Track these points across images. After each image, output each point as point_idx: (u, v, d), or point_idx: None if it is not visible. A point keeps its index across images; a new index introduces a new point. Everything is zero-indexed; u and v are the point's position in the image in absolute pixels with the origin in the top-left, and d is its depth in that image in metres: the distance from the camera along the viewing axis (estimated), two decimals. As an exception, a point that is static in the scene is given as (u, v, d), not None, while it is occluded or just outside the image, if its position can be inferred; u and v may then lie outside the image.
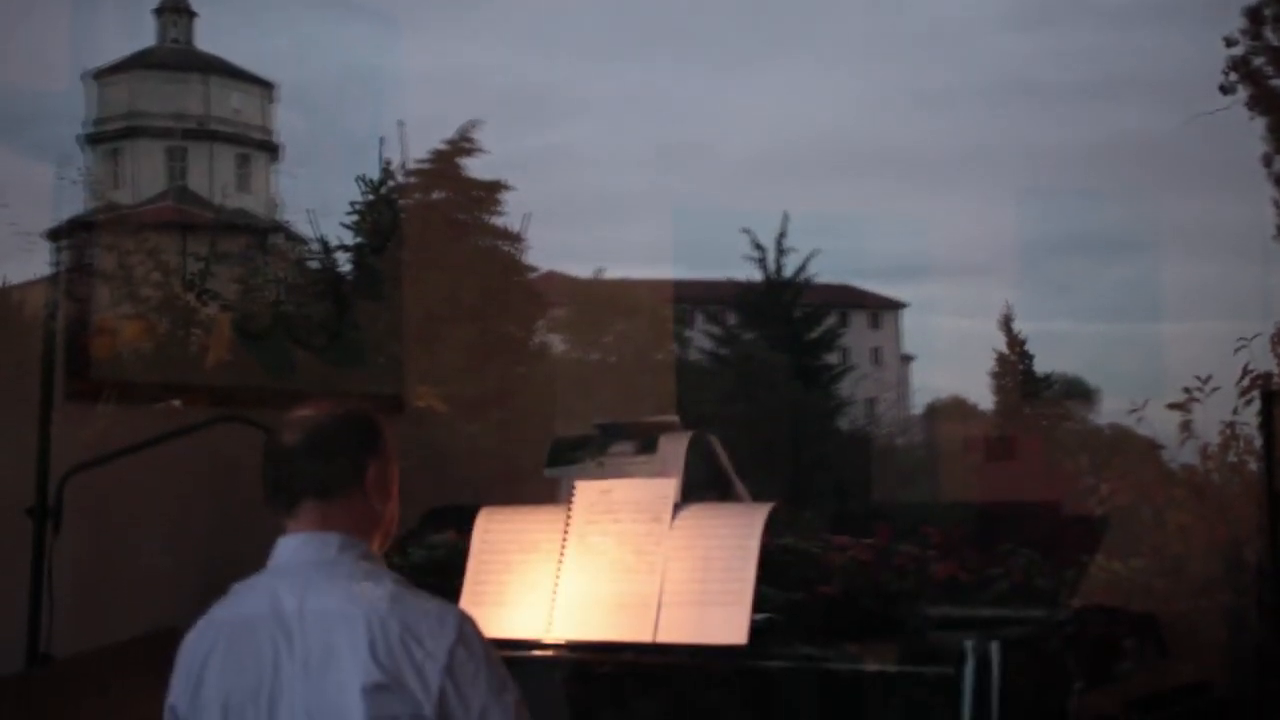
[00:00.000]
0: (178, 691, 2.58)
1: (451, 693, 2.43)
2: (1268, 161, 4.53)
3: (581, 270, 5.20)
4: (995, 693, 2.78)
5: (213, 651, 2.54)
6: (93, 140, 4.10)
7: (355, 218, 4.54)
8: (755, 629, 3.02)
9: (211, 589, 3.60)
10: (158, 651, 3.27)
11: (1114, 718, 3.63)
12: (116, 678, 3.18)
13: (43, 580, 3.29)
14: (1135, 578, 4.43)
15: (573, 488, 3.32)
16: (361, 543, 2.55)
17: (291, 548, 2.54)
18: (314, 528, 2.54)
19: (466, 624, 2.49)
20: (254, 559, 2.70)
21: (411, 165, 4.73)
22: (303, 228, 4.41)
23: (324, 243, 4.39)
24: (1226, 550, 4.38)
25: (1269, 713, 4.00)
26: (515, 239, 4.98)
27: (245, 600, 2.56)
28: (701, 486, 3.38)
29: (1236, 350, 4.36)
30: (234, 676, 2.50)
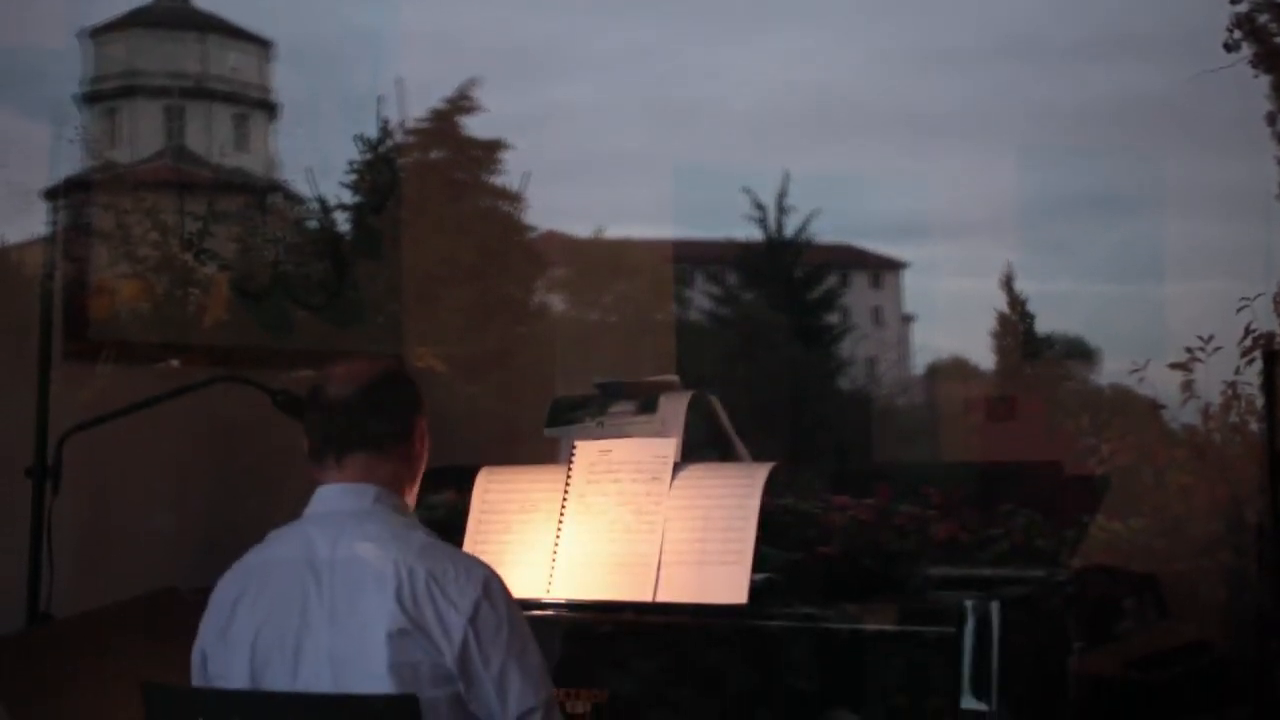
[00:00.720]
0: (207, 634, 2.63)
1: (473, 645, 2.47)
2: (1271, 120, 4.50)
3: (581, 230, 5.19)
4: (995, 652, 2.78)
5: (243, 594, 2.59)
6: (89, 99, 4.08)
7: (354, 177, 4.52)
8: (755, 588, 3.02)
9: (211, 548, 3.61)
10: (157, 611, 3.29)
11: (1114, 677, 3.64)
12: (116, 637, 3.18)
13: (42, 540, 3.29)
14: (1136, 538, 4.43)
15: (573, 447, 3.32)
16: (396, 495, 2.61)
17: (329, 497, 2.60)
18: (359, 477, 2.59)
19: (493, 580, 2.53)
20: (253, 517, 2.71)
21: (410, 124, 4.70)
22: (301, 187, 4.38)
23: (322, 202, 4.37)
24: (1227, 510, 4.38)
25: (1269, 672, 4.01)
26: (515, 199, 4.96)
27: (279, 545, 2.62)
28: (701, 446, 3.37)
29: (1239, 310, 4.34)
30: (263, 618, 2.55)
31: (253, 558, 2.67)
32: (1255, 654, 4.07)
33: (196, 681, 2.67)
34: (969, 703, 2.78)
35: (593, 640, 3.12)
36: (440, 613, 2.48)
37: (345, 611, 2.51)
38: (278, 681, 2.53)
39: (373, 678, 2.46)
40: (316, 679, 2.51)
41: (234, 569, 2.67)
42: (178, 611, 3.33)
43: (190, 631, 3.21)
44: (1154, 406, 4.65)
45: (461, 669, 2.49)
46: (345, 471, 2.62)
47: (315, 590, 2.54)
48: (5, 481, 3.44)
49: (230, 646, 2.59)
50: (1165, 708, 3.86)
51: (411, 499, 2.71)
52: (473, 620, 2.49)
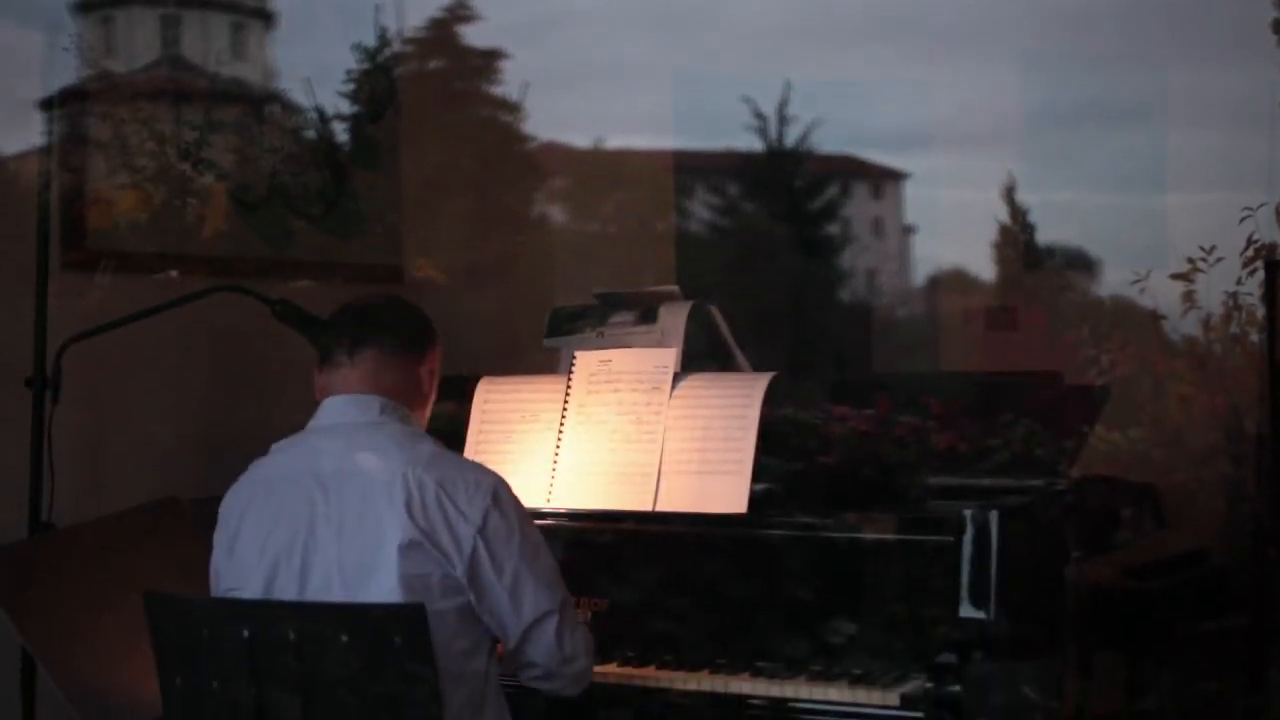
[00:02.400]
0: (218, 549, 2.64)
1: (484, 555, 2.48)
2: (1276, 28, 4.46)
3: (581, 140, 5.14)
4: (994, 561, 2.80)
5: (249, 508, 2.60)
6: (84, 8, 4.04)
7: (351, 87, 4.48)
8: (755, 498, 3.03)
9: (211, 458, 3.63)
10: (158, 520, 3.30)
11: (1112, 586, 3.65)
12: (118, 546, 3.19)
13: (43, 450, 3.30)
14: (1135, 448, 4.44)
15: (573, 357, 3.32)
16: (403, 408, 2.61)
17: (335, 408, 2.61)
18: (366, 380, 2.61)
19: (502, 488, 2.54)
20: (252, 427, 2.71)
21: (408, 33, 4.66)
22: (298, 97, 4.35)
23: (320, 112, 4.34)
24: (1226, 421, 4.39)
25: (1266, 581, 4.03)
26: (514, 109, 4.92)
27: (284, 458, 2.62)
28: (702, 356, 3.37)
29: (1241, 220, 4.33)
30: (269, 532, 2.55)
31: (257, 470, 2.68)
32: (1252, 563, 4.10)
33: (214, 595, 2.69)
34: (967, 611, 2.80)
35: (593, 549, 3.14)
36: (451, 524, 2.49)
37: (354, 524, 2.51)
38: (286, 594, 2.54)
39: (382, 590, 2.48)
40: (325, 591, 2.52)
41: (239, 482, 2.68)
42: (178, 521, 3.35)
43: (191, 541, 3.24)
44: (1154, 317, 4.64)
45: (472, 579, 2.50)
46: (355, 370, 2.63)
47: (323, 502, 2.54)
48: (5, 392, 3.45)
49: (239, 560, 2.61)
50: (1163, 616, 3.88)
51: (421, 421, 2.71)
52: (482, 530, 2.50)
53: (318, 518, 2.54)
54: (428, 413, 2.76)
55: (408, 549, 2.48)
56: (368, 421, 2.60)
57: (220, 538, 2.67)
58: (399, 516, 2.48)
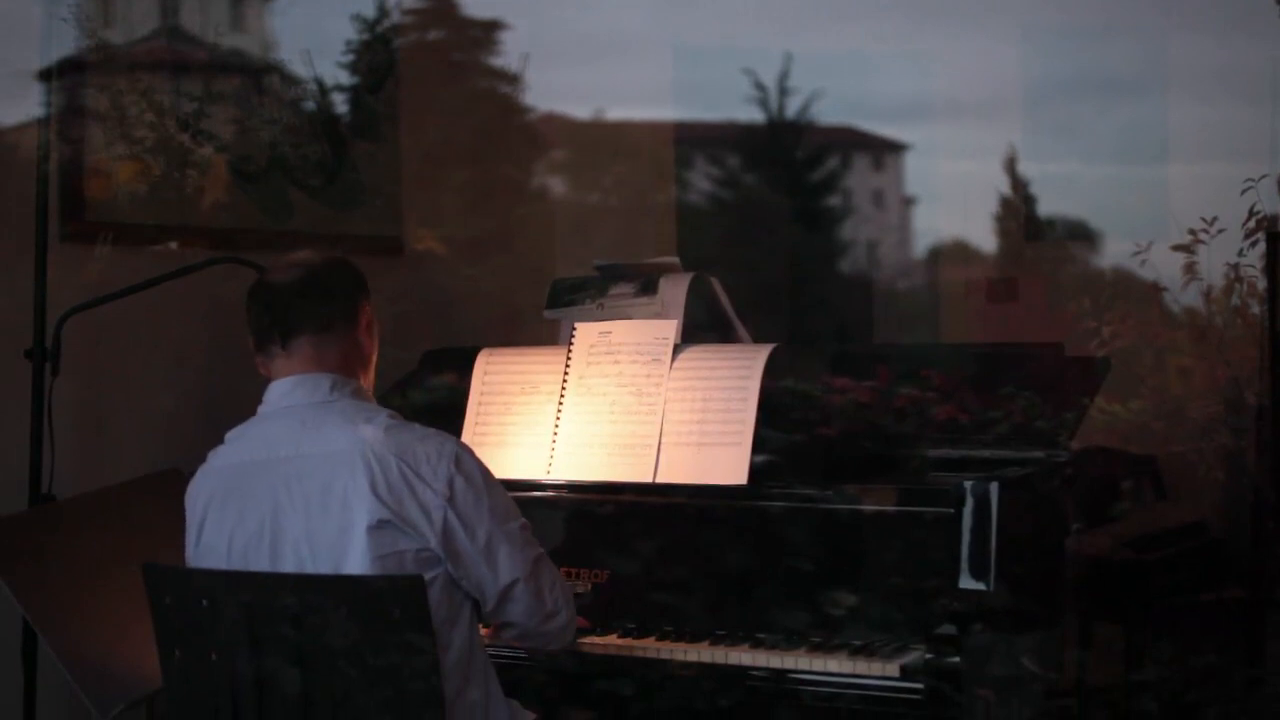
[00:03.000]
0: (188, 541, 2.61)
1: (455, 523, 2.46)
2: (1279, -1, 4.45)
3: (581, 112, 5.12)
4: (993, 533, 2.80)
5: (212, 501, 2.57)
6: (83, -23, 4.02)
7: (351, 58, 4.47)
8: (755, 469, 3.03)
9: (212, 429, 3.62)
10: (159, 492, 3.30)
11: (1111, 557, 3.66)
12: (119, 517, 3.20)
13: (43, 421, 3.30)
14: (1135, 419, 4.44)
15: (573, 329, 3.31)
16: (353, 380, 2.56)
17: (283, 391, 2.56)
18: (308, 365, 2.55)
19: (464, 452, 2.52)
20: (252, 399, 2.70)
21: (407, 4, 4.64)
22: (297, 68, 4.33)
23: (320, 83, 4.32)
24: (1226, 392, 4.38)
25: (1265, 553, 4.04)
26: (513, 80, 4.91)
27: (240, 447, 2.58)
28: (702, 328, 3.37)
29: (1242, 192, 4.32)
30: (235, 524, 2.52)
31: (215, 460, 2.64)
32: (1251, 535, 4.10)
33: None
34: (967, 583, 2.80)
35: (593, 521, 3.14)
36: (418, 496, 2.47)
37: (319, 509, 2.49)
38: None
39: (355, 571, 2.47)
40: (318, 532, 2.51)
41: (199, 474, 2.65)
42: (179, 492, 3.35)
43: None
44: (1155, 289, 4.63)
45: (446, 549, 2.49)
46: (293, 359, 2.58)
47: (284, 490, 2.52)
48: (4, 364, 3.45)
49: (206, 551, 2.59)
50: (1162, 587, 3.89)
51: (368, 384, 2.67)
52: (450, 499, 2.49)
53: (281, 506, 2.52)
54: (374, 362, 2.69)
55: (377, 529, 2.46)
56: (318, 401, 2.56)
57: (188, 529, 2.65)
58: (364, 497, 2.46)
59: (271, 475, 2.54)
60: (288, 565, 2.52)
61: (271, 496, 2.54)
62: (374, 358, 2.70)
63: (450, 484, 2.51)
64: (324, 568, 2.50)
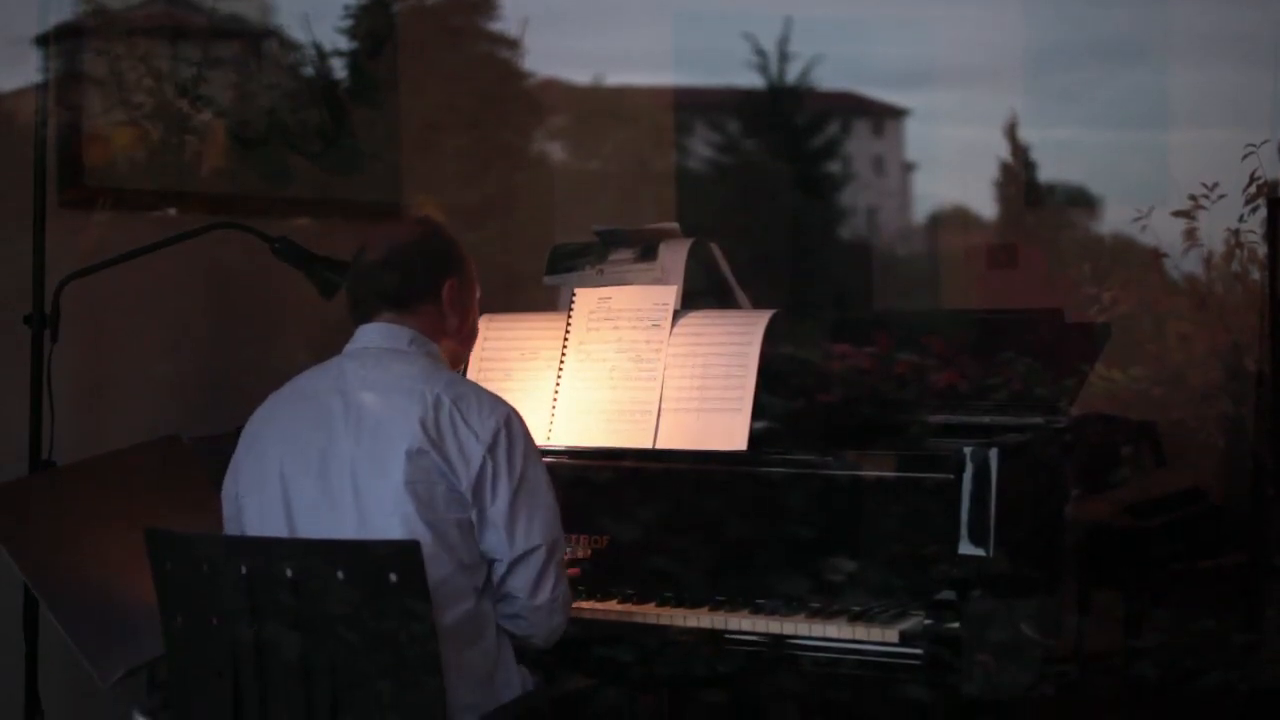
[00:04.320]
0: (239, 455, 2.73)
1: (489, 474, 2.55)
2: (1280, -36, 4.43)
3: (580, 77, 5.10)
4: (993, 499, 2.80)
5: (274, 416, 2.71)
6: (80, -58, 4.00)
7: (350, 22, 4.45)
8: (755, 436, 3.03)
9: (211, 395, 3.62)
10: (160, 458, 3.30)
11: (1111, 523, 3.66)
12: (119, 484, 3.20)
13: (43, 388, 3.30)
14: (1135, 386, 4.44)
15: (572, 295, 3.31)
16: (432, 344, 2.70)
17: (368, 332, 2.71)
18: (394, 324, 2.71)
19: (515, 418, 2.66)
20: (252, 365, 2.72)
21: (407, -32, 4.62)
22: (296, 33, 4.31)
23: (318, 48, 4.31)
24: (1226, 359, 4.39)
25: (1264, 519, 4.04)
26: (513, 45, 4.89)
27: (313, 376, 2.72)
28: (702, 294, 3.36)
29: (1244, 157, 4.31)
30: (292, 439, 2.65)
31: (286, 388, 2.77)
32: (1251, 501, 4.10)
33: (228, 509, 2.75)
34: (967, 549, 2.81)
35: (592, 487, 3.14)
36: (460, 439, 2.56)
37: (371, 431, 2.60)
38: (305, 493, 2.61)
39: (391, 487, 2.55)
40: (341, 491, 2.59)
41: (267, 400, 2.78)
42: (180, 459, 3.35)
43: (191, 478, 3.24)
44: (1156, 255, 4.63)
45: (475, 497, 2.57)
46: (376, 327, 2.74)
47: (343, 412, 2.63)
48: (3, 330, 3.44)
49: (258, 457, 2.69)
50: (1161, 554, 3.90)
51: (455, 358, 2.81)
52: (491, 450, 2.57)
53: (337, 424, 2.63)
54: (465, 331, 2.82)
55: (415, 455, 2.55)
56: (396, 348, 2.69)
57: (242, 445, 2.76)
58: (411, 425, 2.56)
59: (333, 398, 2.65)
60: (334, 474, 2.60)
61: (329, 417, 2.64)
62: (464, 331, 2.82)
63: (495, 436, 2.59)
64: (364, 481, 2.58)
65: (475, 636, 2.60)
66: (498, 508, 2.58)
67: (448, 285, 2.76)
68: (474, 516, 2.58)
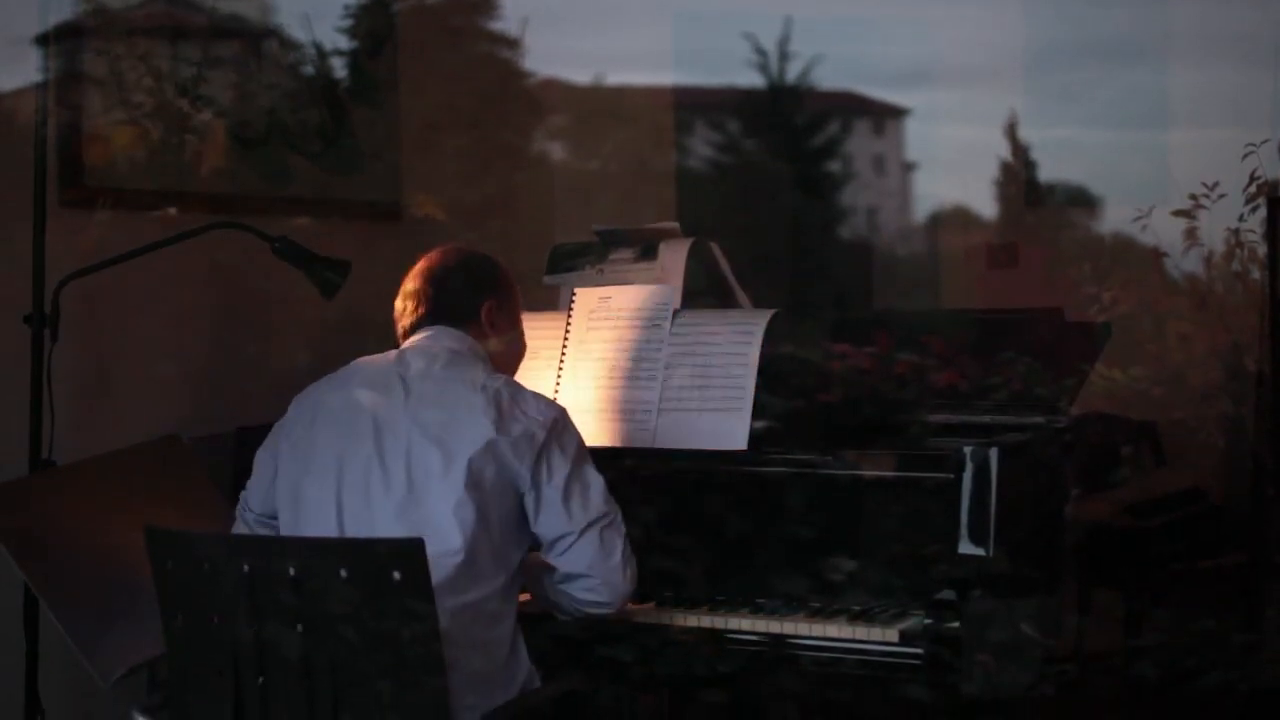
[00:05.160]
0: (284, 436, 2.78)
1: (548, 452, 2.68)
2: (1281, -37, 4.43)
3: (581, 77, 5.10)
4: (993, 498, 2.80)
5: (323, 407, 2.76)
6: (80, -58, 4.00)
7: (350, 22, 4.45)
8: (754, 435, 3.03)
9: (211, 395, 3.62)
10: (159, 457, 3.30)
11: (1111, 523, 3.66)
12: (118, 483, 3.20)
13: (43, 387, 3.30)
14: (1135, 386, 4.44)
15: (572, 294, 3.31)
16: (483, 350, 2.82)
17: (428, 332, 2.82)
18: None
19: (566, 416, 2.80)
20: (251, 365, 2.72)
21: (407, -32, 4.62)
22: (296, 33, 4.31)
23: (318, 48, 4.31)
24: (1227, 359, 4.39)
25: (1264, 518, 4.04)
26: (513, 44, 4.89)
27: (370, 363, 2.80)
28: (702, 293, 3.36)
29: (1244, 157, 4.31)
30: (345, 425, 2.70)
31: (345, 369, 2.85)
32: (1251, 501, 4.10)
33: (263, 473, 2.81)
34: (967, 548, 2.80)
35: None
36: (523, 423, 2.68)
37: (432, 408, 2.69)
38: (358, 469, 2.67)
39: (449, 476, 2.64)
40: (396, 475, 2.66)
41: (323, 382, 2.85)
42: (180, 459, 3.35)
43: (191, 477, 3.24)
44: (1156, 254, 4.63)
45: (534, 475, 2.67)
46: (427, 336, 2.86)
47: (403, 397, 2.71)
48: (4, 329, 3.44)
49: (314, 441, 2.74)
50: (1161, 554, 3.90)
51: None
52: (551, 430, 2.70)
53: (397, 408, 2.70)
54: (516, 344, 2.98)
55: (479, 449, 2.64)
56: (455, 349, 2.81)
57: (292, 424, 2.81)
58: (477, 419, 2.66)
59: (396, 383, 2.74)
60: (394, 479, 2.66)
61: (388, 400, 2.72)
62: (509, 349, 2.96)
63: (553, 422, 2.73)
64: (422, 484, 2.65)
65: (492, 623, 2.66)
66: (554, 484, 2.69)
67: (484, 305, 2.89)
68: (530, 501, 2.70)
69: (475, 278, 2.93)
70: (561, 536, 2.72)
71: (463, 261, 2.94)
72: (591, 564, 2.74)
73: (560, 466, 2.71)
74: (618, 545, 2.76)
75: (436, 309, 2.87)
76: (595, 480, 2.77)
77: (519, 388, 2.78)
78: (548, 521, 2.72)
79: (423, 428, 2.68)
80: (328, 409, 2.77)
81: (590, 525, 2.72)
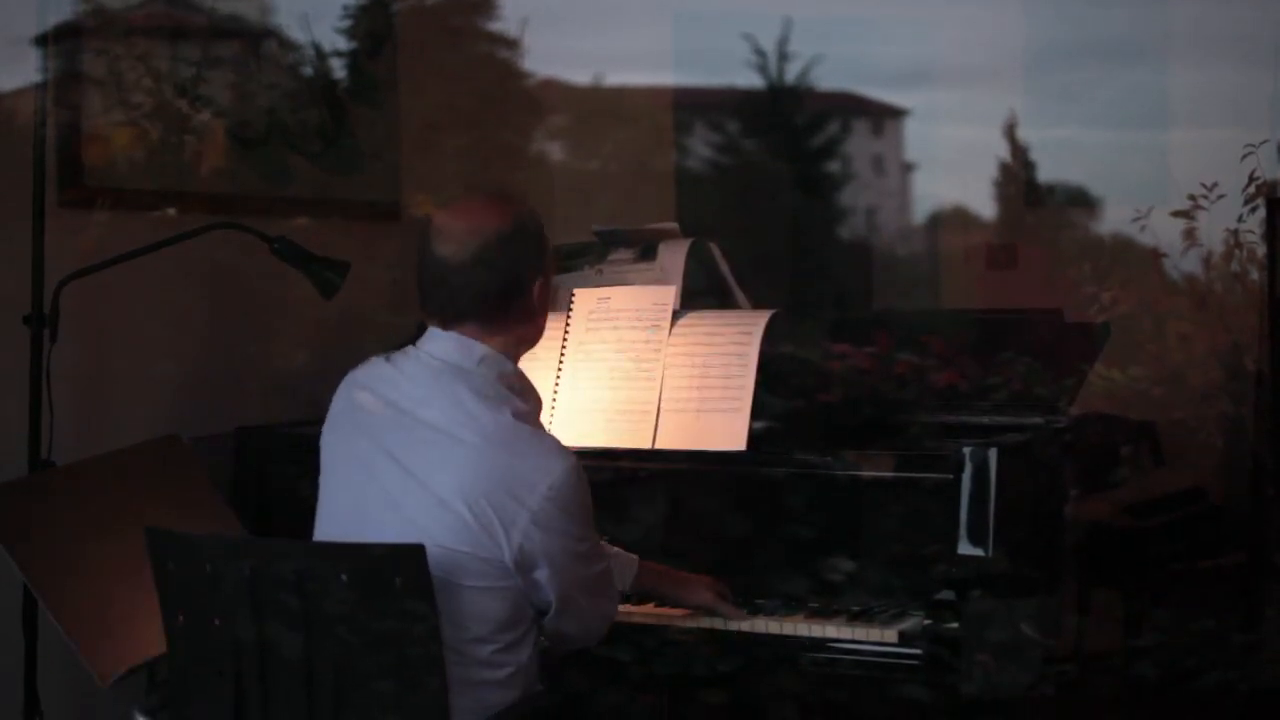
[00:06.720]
0: (332, 424, 2.68)
1: (535, 542, 2.47)
2: (1280, -36, 4.43)
3: (580, 77, 5.10)
4: (993, 499, 2.80)
5: (340, 421, 2.65)
6: (79, -58, 4.00)
7: (349, 22, 4.45)
8: (754, 435, 3.03)
9: (212, 395, 3.62)
10: (158, 458, 3.30)
11: (1110, 523, 3.66)
12: (118, 483, 3.20)
13: (42, 387, 3.30)
14: (1134, 386, 4.44)
15: (571, 295, 3.31)
16: (506, 361, 2.55)
17: (439, 341, 2.55)
18: (470, 338, 2.56)
19: (569, 478, 2.52)
20: (251, 365, 2.71)
21: (406, -32, 4.62)
22: (295, 33, 4.31)
23: (318, 48, 4.31)
24: (1226, 359, 4.39)
25: (1264, 519, 4.04)
26: (512, 45, 4.89)
27: (374, 374, 2.60)
28: (701, 294, 3.37)
29: (1243, 157, 4.31)
30: (349, 441, 2.59)
31: (352, 385, 2.66)
32: (1251, 501, 4.10)
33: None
34: (966, 549, 2.80)
35: (591, 487, 3.14)
36: (507, 509, 2.48)
37: (421, 471, 2.51)
38: (359, 471, 2.58)
39: (448, 486, 2.48)
40: (403, 492, 2.52)
41: (341, 386, 2.68)
42: (179, 459, 3.35)
43: (191, 478, 3.24)
44: (1155, 254, 4.63)
45: (519, 565, 2.51)
46: (456, 334, 2.58)
47: (395, 435, 2.54)
48: (3, 329, 3.44)
49: (346, 437, 2.63)
50: (1160, 554, 3.89)
51: (528, 345, 2.67)
52: (534, 520, 2.48)
53: (392, 452, 2.53)
54: (540, 324, 2.66)
55: (463, 510, 2.47)
56: (463, 368, 2.54)
57: (337, 413, 2.67)
58: (456, 486, 2.47)
59: (389, 418, 2.55)
60: (395, 480, 2.53)
61: (381, 438, 2.55)
62: (539, 325, 2.65)
63: (542, 506, 2.49)
64: (422, 484, 2.50)
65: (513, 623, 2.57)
66: (544, 572, 2.51)
67: (534, 286, 2.59)
68: (519, 581, 2.52)
69: (527, 252, 2.60)
70: (547, 608, 2.58)
71: (509, 234, 2.59)
72: (578, 632, 2.65)
73: (551, 553, 2.51)
74: (599, 611, 2.65)
75: (481, 305, 2.56)
76: (584, 549, 2.57)
77: (516, 446, 2.52)
78: (532, 597, 2.56)
79: (413, 476, 2.53)
80: (337, 411, 2.69)
81: (573, 597, 2.57)
